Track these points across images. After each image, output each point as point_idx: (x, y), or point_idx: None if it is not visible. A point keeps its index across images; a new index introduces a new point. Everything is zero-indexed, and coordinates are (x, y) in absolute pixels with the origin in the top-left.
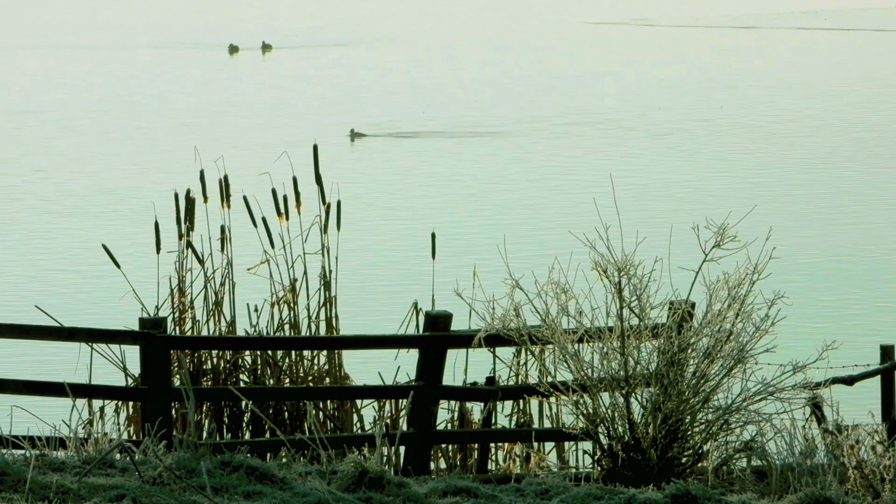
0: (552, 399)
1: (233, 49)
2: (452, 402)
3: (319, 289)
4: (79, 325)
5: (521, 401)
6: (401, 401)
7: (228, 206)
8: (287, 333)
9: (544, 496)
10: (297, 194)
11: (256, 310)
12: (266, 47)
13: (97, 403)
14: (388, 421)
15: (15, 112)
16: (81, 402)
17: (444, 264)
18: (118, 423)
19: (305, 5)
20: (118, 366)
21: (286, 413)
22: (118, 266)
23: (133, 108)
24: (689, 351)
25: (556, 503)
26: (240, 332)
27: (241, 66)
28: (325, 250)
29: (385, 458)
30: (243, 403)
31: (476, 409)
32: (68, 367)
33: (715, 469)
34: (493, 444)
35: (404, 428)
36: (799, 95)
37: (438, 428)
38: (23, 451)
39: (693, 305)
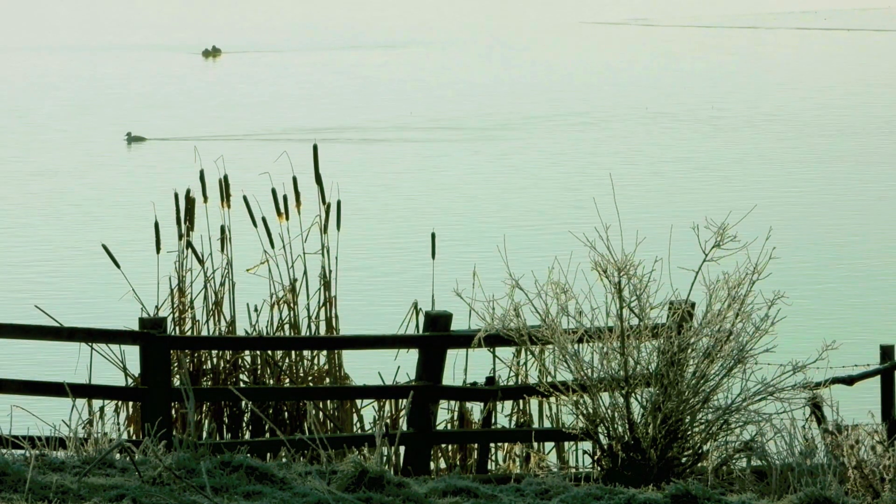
0: (552, 399)
1: (207, 53)
2: (452, 402)
3: (319, 289)
4: (79, 325)
5: (520, 401)
6: (401, 401)
7: (228, 206)
8: (287, 333)
9: (544, 496)
10: (297, 194)
11: (256, 310)
12: (214, 51)
13: (97, 403)
14: (388, 421)
15: (9, 112)
16: (81, 402)
17: (444, 264)
18: (118, 423)
19: (294, 9)
20: (118, 366)
21: (286, 413)
22: (118, 266)
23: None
24: (689, 351)
25: (555, 503)
26: (240, 332)
27: (190, 69)
28: (325, 250)
29: (385, 458)
30: (243, 403)
31: (476, 409)
32: (68, 367)
33: (715, 469)
34: (493, 444)
35: (404, 428)
36: (798, 95)
37: (438, 428)
38: (23, 451)
39: (693, 305)
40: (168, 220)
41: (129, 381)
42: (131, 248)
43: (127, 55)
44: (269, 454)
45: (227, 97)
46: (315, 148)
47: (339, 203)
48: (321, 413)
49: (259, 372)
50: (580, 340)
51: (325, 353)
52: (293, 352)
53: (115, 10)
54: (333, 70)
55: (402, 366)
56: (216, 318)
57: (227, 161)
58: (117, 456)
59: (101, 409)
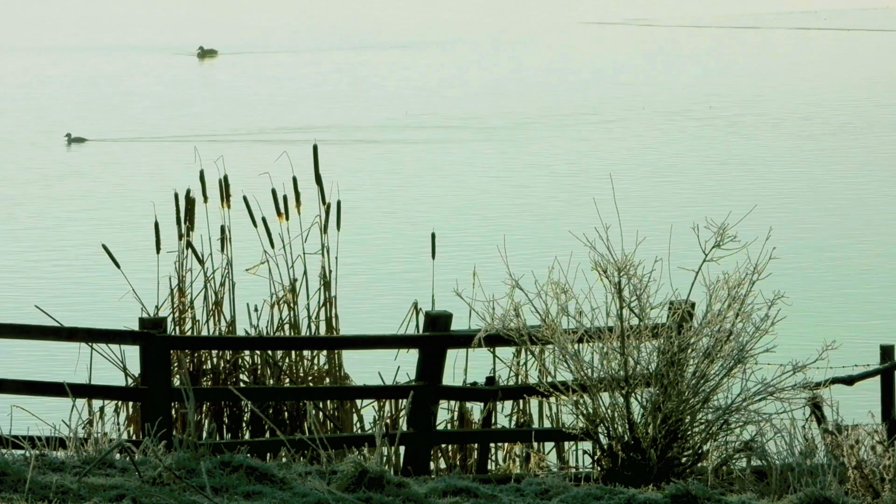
0: (552, 399)
1: (203, 54)
2: (452, 402)
3: (319, 289)
4: (79, 325)
5: (521, 401)
6: (401, 401)
7: (228, 206)
8: (287, 333)
9: (544, 496)
10: (297, 194)
11: (256, 310)
12: (209, 52)
13: (97, 403)
14: (388, 421)
15: (7, 112)
16: (81, 402)
17: (444, 264)
18: (118, 423)
19: (293, 9)
20: (118, 366)
21: (286, 413)
22: (118, 266)
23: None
24: (689, 351)
25: (555, 503)
26: (240, 332)
27: (177, 70)
28: (325, 250)
29: (385, 458)
30: (243, 403)
31: (476, 409)
32: (68, 367)
33: (715, 469)
34: (493, 444)
35: (404, 428)
36: (798, 95)
37: (438, 428)
38: (23, 451)
39: (693, 305)
40: (168, 220)
41: (129, 381)
42: (131, 248)
43: (122, 56)
44: (269, 454)
45: (223, 97)
46: (315, 148)
47: (339, 203)
48: (321, 413)
49: (259, 372)
50: (580, 340)
51: (325, 353)
52: (293, 352)
53: (112, 11)
54: (332, 70)
55: (402, 366)
56: (216, 318)
57: (215, 161)
58: (117, 456)
59: (101, 409)
